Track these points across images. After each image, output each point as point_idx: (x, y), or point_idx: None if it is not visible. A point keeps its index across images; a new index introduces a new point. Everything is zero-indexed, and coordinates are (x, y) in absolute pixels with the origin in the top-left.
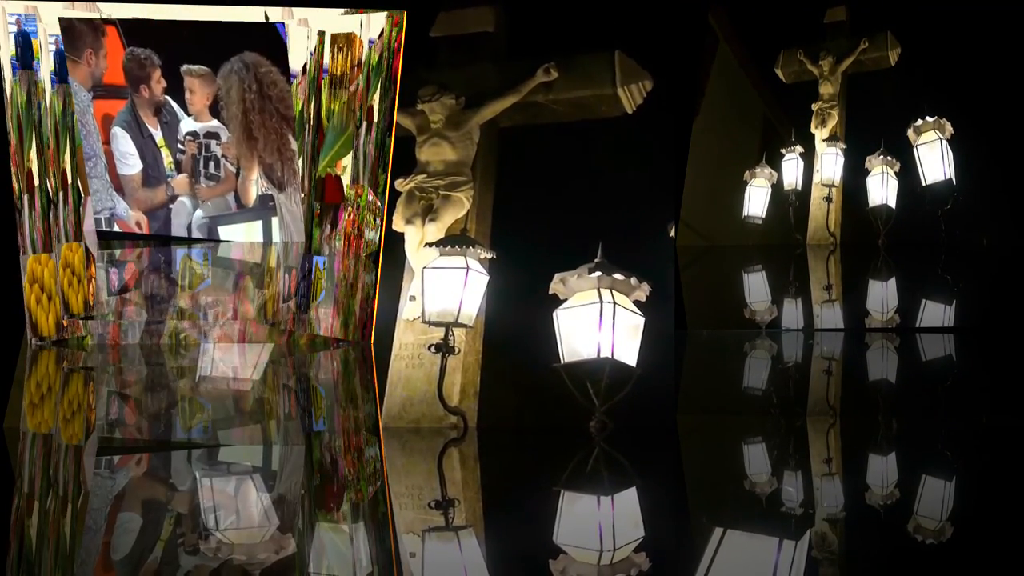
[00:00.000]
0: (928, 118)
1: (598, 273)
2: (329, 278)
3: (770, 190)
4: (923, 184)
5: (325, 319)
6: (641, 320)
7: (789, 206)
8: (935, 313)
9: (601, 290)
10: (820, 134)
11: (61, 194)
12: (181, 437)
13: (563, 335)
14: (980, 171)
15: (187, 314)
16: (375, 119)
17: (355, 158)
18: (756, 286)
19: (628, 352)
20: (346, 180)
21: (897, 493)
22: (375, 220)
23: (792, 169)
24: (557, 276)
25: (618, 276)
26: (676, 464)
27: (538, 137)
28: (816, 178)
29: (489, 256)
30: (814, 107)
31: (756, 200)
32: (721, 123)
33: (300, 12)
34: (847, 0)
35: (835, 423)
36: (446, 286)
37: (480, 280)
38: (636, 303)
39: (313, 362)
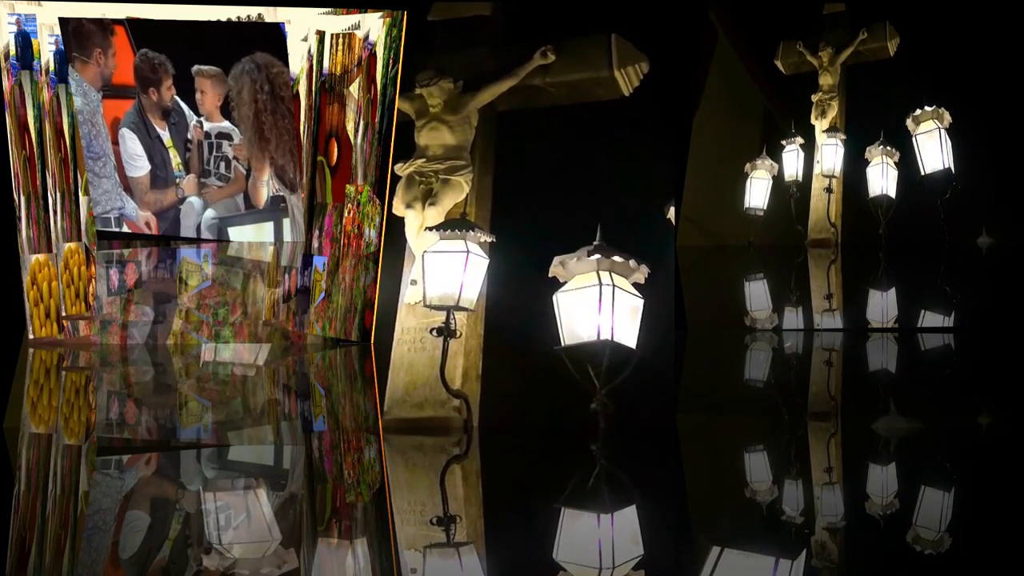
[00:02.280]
0: (927, 107)
1: (597, 256)
2: (329, 278)
3: (771, 182)
4: (922, 173)
5: (325, 319)
6: (640, 302)
7: (790, 197)
8: (935, 316)
9: (600, 272)
10: (820, 125)
11: (61, 194)
12: (180, 437)
13: (563, 318)
14: (979, 160)
15: (188, 314)
16: (375, 119)
17: (354, 157)
18: (758, 289)
19: (628, 334)
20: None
21: (894, 496)
22: (375, 219)
23: (793, 160)
24: (556, 259)
25: (617, 258)
26: (676, 467)
27: (536, 120)
28: (816, 169)
29: (489, 240)
30: (814, 98)
31: (757, 192)
32: (721, 116)
33: (293, 12)
34: None
35: (833, 424)
36: (447, 270)
37: (480, 264)
38: (635, 285)
39: (312, 362)
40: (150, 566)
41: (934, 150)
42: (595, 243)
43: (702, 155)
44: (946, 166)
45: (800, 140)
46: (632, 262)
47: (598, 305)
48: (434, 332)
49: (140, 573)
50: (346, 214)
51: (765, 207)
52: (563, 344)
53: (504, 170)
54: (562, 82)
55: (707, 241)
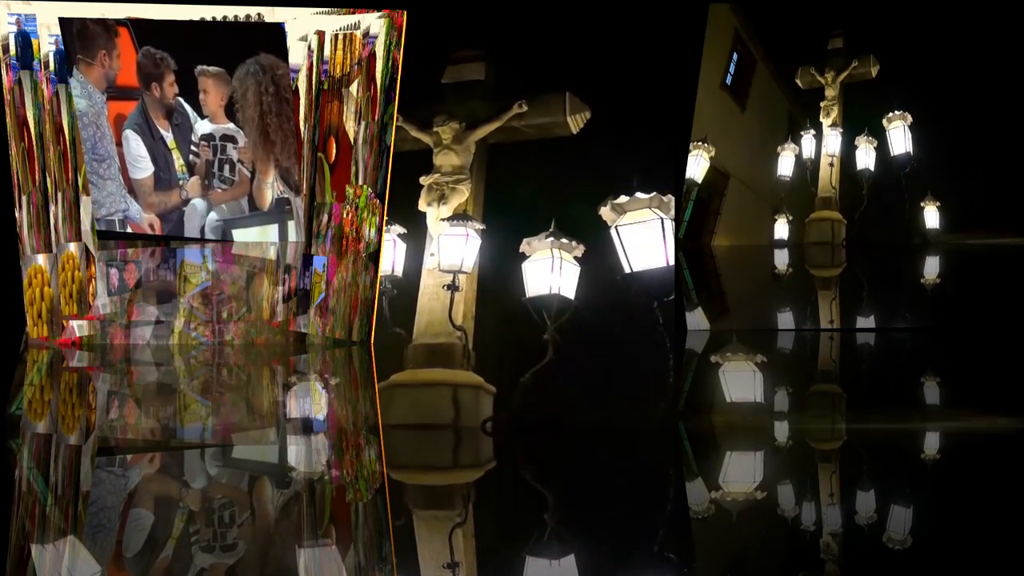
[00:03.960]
0: (896, 111)
1: (551, 238)
2: (329, 278)
3: (794, 158)
4: (891, 155)
5: (325, 319)
6: (577, 269)
7: (806, 169)
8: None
9: (552, 249)
10: (826, 122)
11: (60, 194)
12: (180, 437)
13: (528, 278)
14: (929, 147)
15: (187, 314)
16: (375, 118)
17: (355, 158)
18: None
19: (569, 290)
20: (354, 180)
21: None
22: (375, 220)
23: (808, 145)
24: (525, 240)
25: (564, 240)
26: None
27: (514, 149)
28: (823, 151)
29: (481, 227)
30: (822, 104)
31: (785, 165)
32: (761, 116)
33: (293, 12)
34: (844, 33)
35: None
36: (454, 246)
37: (475, 243)
38: (575, 258)
39: (313, 362)
40: (149, 566)
41: (899, 140)
42: (550, 230)
43: (747, 142)
44: (907, 151)
45: (813, 131)
46: (573, 242)
47: (550, 270)
48: (445, 287)
49: (140, 572)
50: (344, 216)
51: (790, 175)
52: (527, 296)
53: (492, 182)
54: (531, 124)
55: (746, 240)
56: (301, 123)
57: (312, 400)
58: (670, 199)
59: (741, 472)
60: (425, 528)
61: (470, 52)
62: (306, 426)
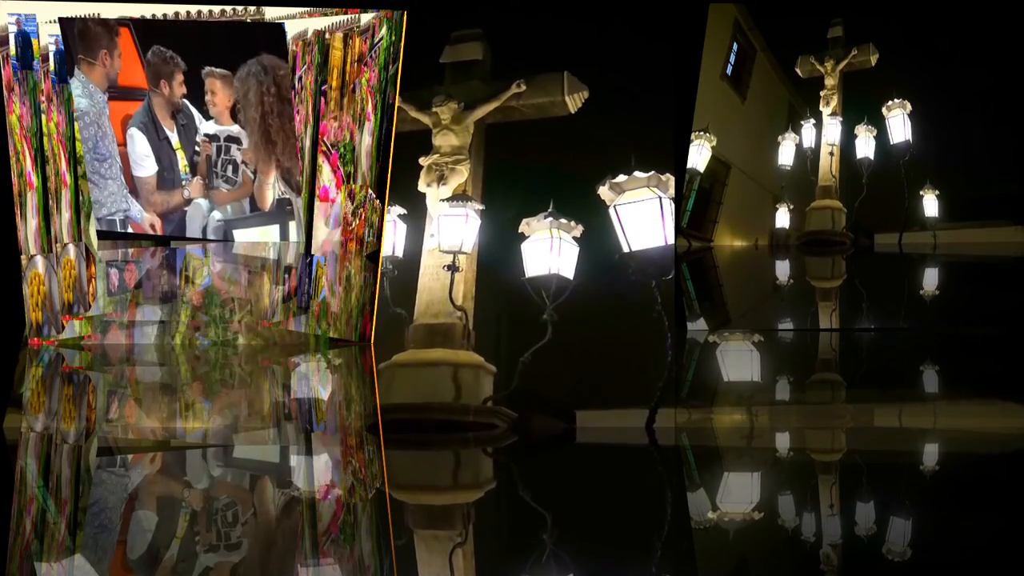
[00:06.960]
0: (895, 100)
1: (550, 219)
2: (329, 277)
3: (794, 147)
4: (891, 143)
5: (325, 319)
6: (576, 249)
7: (807, 158)
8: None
9: (552, 229)
10: (826, 111)
11: (61, 194)
12: (180, 437)
13: (527, 258)
14: (928, 135)
15: (187, 314)
16: (374, 118)
17: (355, 158)
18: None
19: (568, 270)
20: (353, 181)
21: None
22: (374, 219)
23: (808, 134)
24: (524, 220)
25: (563, 220)
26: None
27: (512, 129)
28: (823, 140)
29: (480, 207)
30: (822, 94)
31: (786, 153)
32: (761, 105)
33: (293, 11)
34: (843, 22)
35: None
36: (454, 227)
37: (475, 223)
38: (574, 237)
39: (312, 362)
40: (149, 566)
41: (899, 128)
42: (549, 211)
43: (750, 131)
44: (906, 139)
45: (813, 121)
46: (572, 223)
47: (549, 250)
48: (445, 267)
49: (140, 573)
50: (354, 219)
51: (791, 163)
52: (526, 276)
53: (491, 162)
54: (530, 104)
55: (747, 227)
56: (302, 124)
57: (307, 399)
58: (669, 178)
59: (739, 465)
60: (424, 545)
61: (469, 32)
62: (301, 425)
